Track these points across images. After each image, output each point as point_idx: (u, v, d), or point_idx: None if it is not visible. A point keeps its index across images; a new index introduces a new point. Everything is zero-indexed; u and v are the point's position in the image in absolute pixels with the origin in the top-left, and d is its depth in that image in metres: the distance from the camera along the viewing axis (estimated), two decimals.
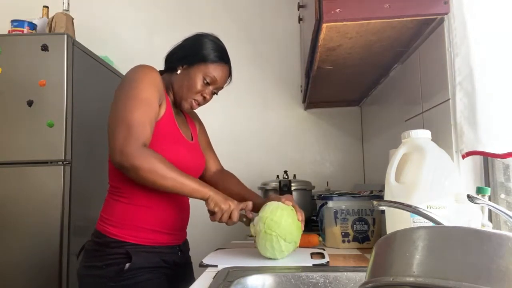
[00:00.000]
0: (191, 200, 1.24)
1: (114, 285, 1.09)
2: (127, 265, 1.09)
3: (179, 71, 1.24)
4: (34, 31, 2.13)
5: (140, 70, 1.16)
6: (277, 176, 2.03)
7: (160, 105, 1.17)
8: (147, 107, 1.10)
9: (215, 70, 1.22)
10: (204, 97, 1.25)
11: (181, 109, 1.28)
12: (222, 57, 1.25)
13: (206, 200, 1.09)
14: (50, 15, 2.22)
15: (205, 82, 1.22)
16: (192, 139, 1.33)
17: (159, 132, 1.16)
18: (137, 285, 1.09)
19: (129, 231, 1.13)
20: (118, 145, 1.04)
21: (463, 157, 0.94)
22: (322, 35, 1.14)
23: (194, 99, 1.25)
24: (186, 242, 1.33)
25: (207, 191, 1.09)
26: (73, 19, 2.25)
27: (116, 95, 1.14)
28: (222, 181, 1.39)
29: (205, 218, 1.16)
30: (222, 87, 1.29)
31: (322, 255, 1.15)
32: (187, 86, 1.22)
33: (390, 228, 0.93)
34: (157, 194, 1.16)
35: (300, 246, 1.29)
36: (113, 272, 1.09)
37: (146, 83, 1.13)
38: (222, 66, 1.24)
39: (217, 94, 1.30)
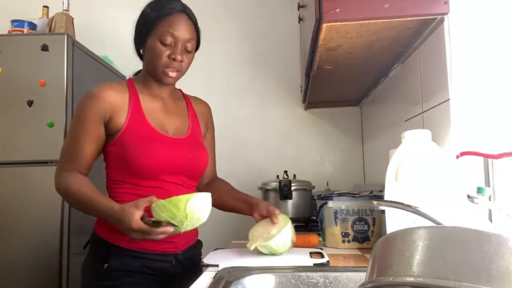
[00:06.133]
0: None
1: (97, 283, 1.10)
2: (105, 266, 1.09)
3: (143, 55, 1.21)
4: (34, 31, 2.13)
5: (80, 103, 1.17)
6: (277, 176, 2.02)
7: (111, 118, 1.12)
8: (77, 137, 1.13)
9: (164, 26, 1.13)
10: (174, 59, 1.14)
11: (165, 83, 1.19)
12: (162, 9, 1.14)
13: None
14: (50, 15, 2.22)
15: (164, 43, 1.13)
16: (186, 133, 1.22)
17: (126, 138, 1.11)
18: (116, 287, 1.08)
19: (113, 233, 1.09)
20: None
21: (457, 157, 0.94)
22: (322, 35, 1.14)
23: (165, 67, 1.15)
24: (188, 250, 1.20)
25: (109, 216, 1.03)
26: (73, 19, 2.25)
27: None
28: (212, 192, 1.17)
29: None
30: (190, 38, 1.16)
31: (321, 255, 1.15)
32: (152, 59, 1.15)
33: (390, 228, 0.93)
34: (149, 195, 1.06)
35: (300, 246, 1.29)
36: (96, 270, 1.10)
37: (81, 112, 1.14)
38: (170, 17, 1.14)
39: (188, 50, 1.17)
